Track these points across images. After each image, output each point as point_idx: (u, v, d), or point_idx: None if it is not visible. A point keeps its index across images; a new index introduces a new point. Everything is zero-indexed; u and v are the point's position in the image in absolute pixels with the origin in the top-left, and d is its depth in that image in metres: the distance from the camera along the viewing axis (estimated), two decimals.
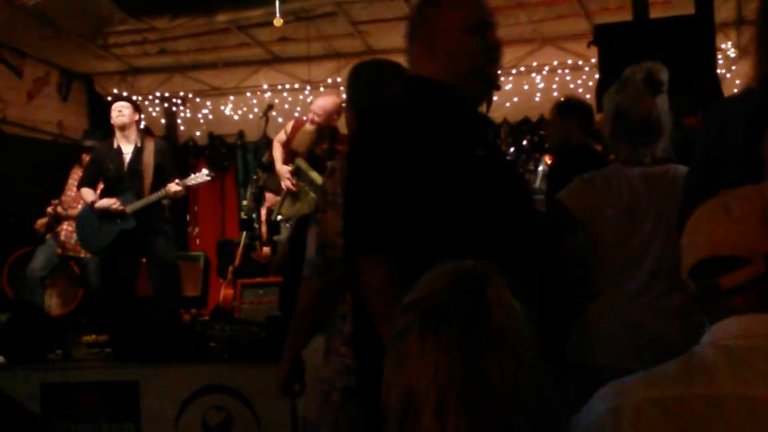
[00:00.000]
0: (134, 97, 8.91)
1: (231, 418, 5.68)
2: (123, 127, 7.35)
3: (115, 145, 7.36)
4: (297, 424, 5.17)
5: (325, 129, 7.37)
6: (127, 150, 7.34)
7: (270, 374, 4.97)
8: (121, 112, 7.36)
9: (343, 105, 7.46)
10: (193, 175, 7.68)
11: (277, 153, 7.81)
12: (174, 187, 7.24)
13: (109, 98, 7.94)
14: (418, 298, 1.61)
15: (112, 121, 7.42)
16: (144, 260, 7.55)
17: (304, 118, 7.86)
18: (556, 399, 1.58)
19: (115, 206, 7.16)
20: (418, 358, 1.54)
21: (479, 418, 1.50)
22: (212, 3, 8.70)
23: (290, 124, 7.93)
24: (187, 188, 7.56)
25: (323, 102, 7.53)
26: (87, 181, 7.48)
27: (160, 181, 7.29)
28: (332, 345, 3.29)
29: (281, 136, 7.89)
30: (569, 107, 5.71)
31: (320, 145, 7.41)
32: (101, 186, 7.48)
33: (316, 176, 7.06)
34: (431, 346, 1.54)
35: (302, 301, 3.35)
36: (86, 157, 8.05)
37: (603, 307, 3.36)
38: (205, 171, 7.82)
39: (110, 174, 7.31)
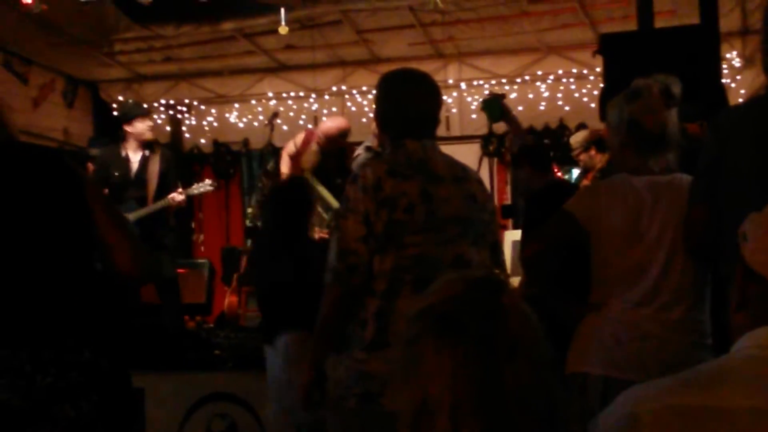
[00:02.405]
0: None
1: (235, 425, 5.69)
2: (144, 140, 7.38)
3: (123, 153, 7.36)
4: None
5: (329, 151, 7.44)
6: (135, 158, 7.34)
7: None
8: (152, 127, 7.42)
9: (348, 129, 7.49)
10: (196, 185, 7.71)
11: (285, 167, 7.82)
12: (177, 197, 7.26)
13: (143, 107, 7.80)
14: (429, 305, 1.62)
15: (136, 131, 7.35)
16: None
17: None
18: (565, 407, 1.58)
19: None
20: (433, 365, 1.55)
21: (493, 424, 1.50)
22: (218, 11, 8.72)
23: (301, 137, 7.93)
24: (191, 197, 7.58)
25: (327, 128, 7.61)
26: None
27: (163, 189, 7.30)
28: (348, 350, 3.28)
29: (290, 148, 7.89)
30: (521, 156, 5.65)
31: (326, 165, 7.46)
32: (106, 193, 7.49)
33: (323, 191, 7.08)
34: (448, 352, 1.54)
35: (324, 308, 3.31)
36: (91, 166, 8.04)
37: (606, 318, 3.34)
38: (208, 181, 7.84)
39: (116, 181, 7.31)
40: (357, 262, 3.21)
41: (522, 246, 4.94)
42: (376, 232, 3.20)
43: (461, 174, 3.46)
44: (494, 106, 5.45)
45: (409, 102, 3.43)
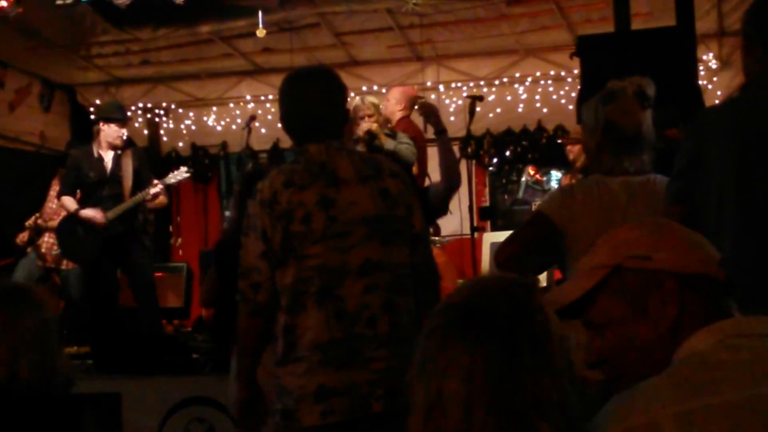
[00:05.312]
0: None
1: (213, 429, 5.66)
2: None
3: (95, 153, 7.34)
4: None
5: None
6: (108, 157, 7.33)
7: None
8: (122, 137, 7.36)
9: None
10: (171, 174, 7.70)
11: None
12: (154, 188, 7.27)
13: (124, 114, 7.69)
14: (458, 300, 1.62)
15: (109, 132, 7.32)
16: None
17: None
18: (578, 416, 1.58)
19: (98, 218, 7.12)
20: (453, 356, 1.54)
21: (507, 424, 1.50)
22: (195, 14, 8.69)
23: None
24: (169, 189, 7.59)
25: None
26: (67, 189, 7.45)
27: (138, 186, 7.33)
28: (270, 366, 3.30)
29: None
30: None
31: None
32: (79, 194, 7.46)
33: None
34: (470, 345, 1.54)
35: (238, 328, 3.33)
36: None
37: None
38: (183, 168, 7.83)
39: (90, 181, 7.29)
40: (260, 280, 3.21)
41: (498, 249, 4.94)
42: (275, 247, 3.18)
43: (371, 172, 3.35)
44: None
45: (303, 105, 3.36)
